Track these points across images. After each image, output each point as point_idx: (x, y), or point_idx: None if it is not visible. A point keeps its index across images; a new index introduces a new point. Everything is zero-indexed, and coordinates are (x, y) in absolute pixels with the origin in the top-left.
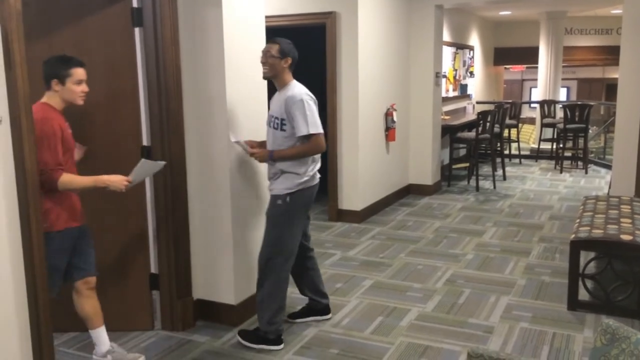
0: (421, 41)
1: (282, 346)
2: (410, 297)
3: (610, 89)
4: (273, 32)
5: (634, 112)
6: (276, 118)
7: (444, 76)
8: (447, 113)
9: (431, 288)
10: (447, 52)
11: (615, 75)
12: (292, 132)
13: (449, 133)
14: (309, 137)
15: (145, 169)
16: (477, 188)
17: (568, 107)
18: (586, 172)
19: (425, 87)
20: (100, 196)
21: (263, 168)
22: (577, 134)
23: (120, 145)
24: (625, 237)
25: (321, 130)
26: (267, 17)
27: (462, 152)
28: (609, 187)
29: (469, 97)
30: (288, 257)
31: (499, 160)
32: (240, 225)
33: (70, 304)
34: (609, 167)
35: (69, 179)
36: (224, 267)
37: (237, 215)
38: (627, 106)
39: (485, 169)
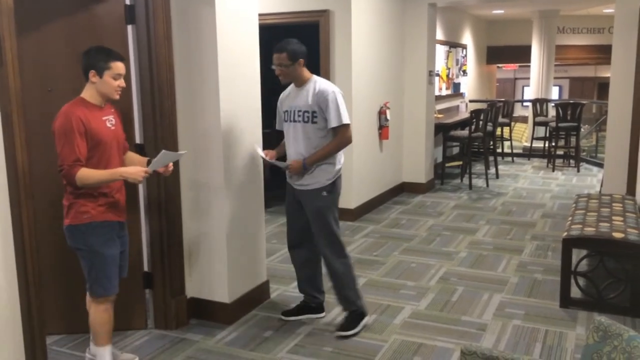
0: (414, 39)
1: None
2: (403, 295)
3: (602, 87)
4: (266, 30)
5: (626, 110)
6: (306, 112)
7: (437, 75)
8: (440, 111)
9: (424, 286)
10: (440, 50)
11: (607, 74)
12: (324, 124)
13: (442, 131)
14: (339, 127)
15: (165, 160)
16: (470, 186)
17: (560, 105)
18: (578, 171)
19: (419, 86)
20: None
21: (259, 167)
22: (569, 133)
23: None
24: (617, 235)
25: (349, 121)
26: (260, 15)
27: (455, 150)
28: (601, 185)
29: (462, 95)
30: (340, 237)
31: (491, 158)
32: (234, 224)
33: (62, 304)
34: (600, 165)
35: (86, 174)
36: (217, 266)
37: (231, 213)
38: (619, 105)
39: (478, 167)
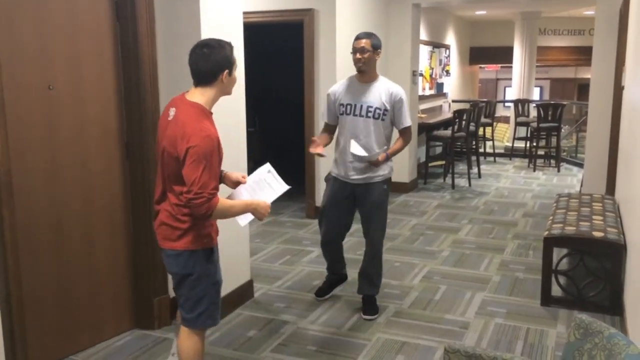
0: (399, 39)
1: None
2: (387, 294)
3: (582, 88)
4: (251, 28)
5: (605, 111)
6: (377, 109)
7: (421, 75)
8: (423, 111)
9: (408, 285)
10: (424, 50)
11: (587, 76)
12: (389, 122)
13: (426, 131)
14: (408, 127)
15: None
16: (453, 186)
17: (541, 106)
18: (558, 170)
19: (402, 85)
20: (82, 195)
21: (241, 163)
22: (550, 133)
23: (105, 142)
24: (597, 234)
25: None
26: (245, 13)
27: (438, 150)
28: (581, 185)
29: (445, 95)
30: None
31: (474, 158)
32: (217, 223)
33: (44, 328)
34: (580, 165)
35: (225, 206)
36: None
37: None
38: (599, 106)
39: (461, 167)
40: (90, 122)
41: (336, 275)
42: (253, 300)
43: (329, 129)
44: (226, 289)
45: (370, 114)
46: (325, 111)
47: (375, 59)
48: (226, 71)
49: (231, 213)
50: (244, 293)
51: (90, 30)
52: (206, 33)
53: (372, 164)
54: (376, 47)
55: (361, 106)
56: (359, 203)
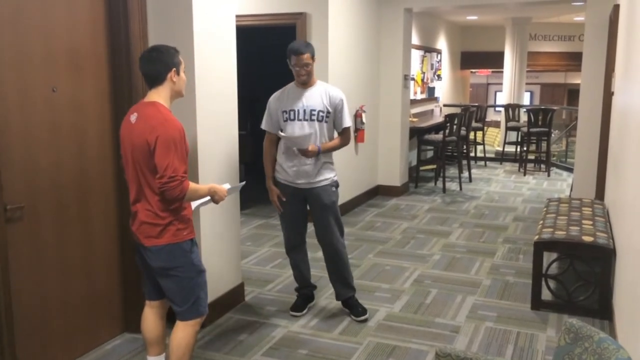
0: (390, 44)
1: None
2: (378, 298)
3: (572, 94)
4: (243, 32)
5: (595, 116)
6: (321, 111)
7: (413, 79)
8: (415, 115)
9: (399, 288)
10: (416, 55)
11: (577, 81)
12: (331, 125)
13: (417, 135)
14: (347, 128)
15: (237, 188)
16: (444, 189)
17: (532, 111)
18: (548, 175)
19: (394, 89)
20: (79, 195)
21: (233, 166)
22: (540, 138)
23: (103, 143)
24: (587, 239)
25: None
26: (237, 16)
27: (430, 154)
28: (571, 190)
29: (436, 99)
30: None
31: (465, 162)
32: (208, 224)
33: (39, 336)
34: (570, 170)
35: (194, 187)
36: None
37: (205, 215)
38: (588, 111)
39: (452, 171)
40: (87, 123)
41: (309, 288)
42: (244, 304)
43: (271, 139)
44: (217, 292)
45: (314, 117)
46: (265, 120)
47: (313, 67)
48: (173, 69)
49: (198, 195)
50: (235, 296)
51: (86, 32)
52: (199, 35)
53: (302, 153)
54: (314, 55)
55: (304, 110)
56: (311, 207)
